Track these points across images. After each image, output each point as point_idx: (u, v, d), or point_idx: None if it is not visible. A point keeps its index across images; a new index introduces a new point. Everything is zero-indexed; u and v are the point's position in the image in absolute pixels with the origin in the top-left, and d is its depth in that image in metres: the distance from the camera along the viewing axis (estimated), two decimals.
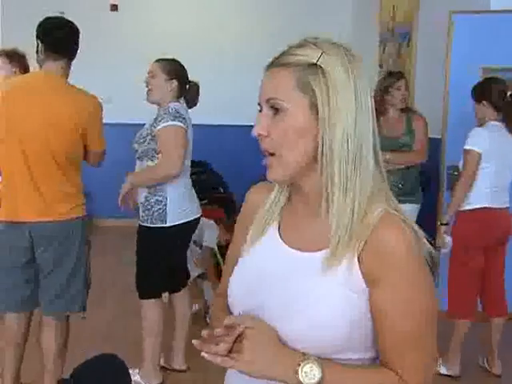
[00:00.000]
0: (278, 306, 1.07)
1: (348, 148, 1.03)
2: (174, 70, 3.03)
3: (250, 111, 5.72)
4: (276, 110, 1.05)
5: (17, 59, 3.09)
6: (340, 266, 1.04)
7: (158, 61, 3.06)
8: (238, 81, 6.42)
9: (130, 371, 3.08)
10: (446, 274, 3.39)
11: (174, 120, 2.87)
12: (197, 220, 3.12)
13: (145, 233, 3.02)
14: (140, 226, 3.04)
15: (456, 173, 3.44)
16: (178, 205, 2.97)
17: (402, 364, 1.04)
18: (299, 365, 1.01)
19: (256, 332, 1.04)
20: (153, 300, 3.07)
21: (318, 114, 1.03)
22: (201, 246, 4.05)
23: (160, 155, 2.91)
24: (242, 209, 1.27)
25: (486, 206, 3.22)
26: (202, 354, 1.04)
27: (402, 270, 1.02)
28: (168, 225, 2.95)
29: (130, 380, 2.23)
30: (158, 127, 2.89)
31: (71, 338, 2.86)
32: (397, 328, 1.03)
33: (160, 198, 2.94)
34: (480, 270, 3.27)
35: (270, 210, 1.17)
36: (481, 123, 3.28)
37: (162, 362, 3.24)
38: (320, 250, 1.07)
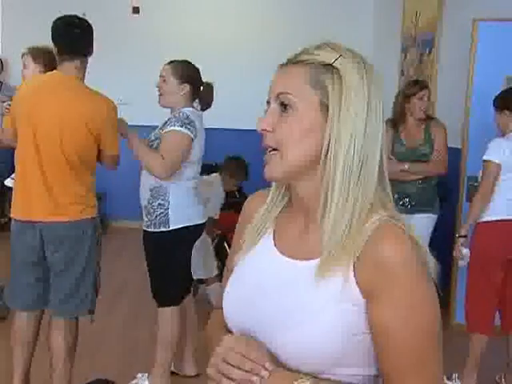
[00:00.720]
0: (273, 319, 1.04)
1: (354, 154, 1.00)
2: (186, 73, 2.98)
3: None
4: (284, 107, 1.02)
5: (43, 58, 3.09)
6: (335, 275, 1.00)
7: (169, 63, 3.01)
8: (258, 85, 6.39)
9: (139, 375, 3.10)
10: (464, 287, 3.32)
11: (181, 126, 2.84)
12: (201, 225, 3.07)
13: (149, 238, 2.99)
14: (144, 231, 3.00)
15: (477, 184, 3.38)
16: (181, 209, 2.93)
17: (402, 379, 0.99)
18: None
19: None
20: (171, 308, 3.00)
21: (327, 114, 1.01)
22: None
23: None
24: (239, 218, 1.24)
25: (506, 218, 3.15)
26: None
27: (399, 284, 0.97)
28: (170, 228, 2.91)
29: None
30: (165, 130, 2.88)
31: (82, 341, 2.85)
32: (396, 346, 0.98)
33: (162, 202, 2.91)
34: (499, 283, 3.19)
35: (264, 217, 1.14)
36: (502, 133, 3.22)
37: (172, 368, 3.20)
38: (315, 258, 1.03)
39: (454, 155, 3.98)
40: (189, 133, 2.85)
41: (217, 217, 4.16)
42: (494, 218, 3.15)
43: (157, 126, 3.06)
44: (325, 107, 1.01)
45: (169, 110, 3.03)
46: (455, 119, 4.17)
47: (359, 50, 1.08)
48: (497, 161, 3.08)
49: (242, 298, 1.10)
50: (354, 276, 0.99)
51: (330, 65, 1.01)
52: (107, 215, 6.33)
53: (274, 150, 1.04)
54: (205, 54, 5.27)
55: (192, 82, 2.98)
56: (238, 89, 6.30)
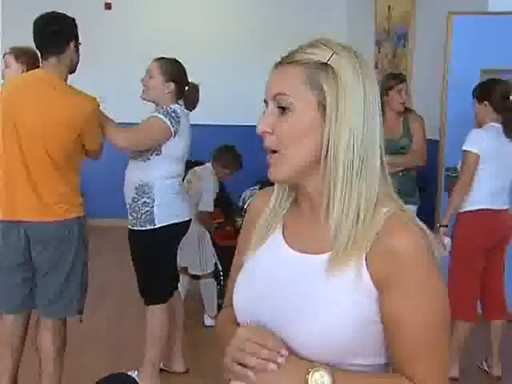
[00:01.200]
0: (285, 312, 1.05)
1: (354, 150, 1.02)
2: (173, 71, 2.97)
3: (247, 111, 5.64)
4: (282, 109, 1.03)
5: (26, 57, 3.04)
6: (347, 268, 1.01)
7: (157, 60, 3.00)
8: (235, 80, 6.41)
9: (129, 373, 3.09)
10: (446, 276, 3.39)
11: (164, 116, 2.84)
12: (187, 222, 3.07)
13: (135, 237, 2.98)
14: (131, 230, 2.99)
15: (454, 174, 3.44)
16: (166, 206, 2.93)
17: (415, 372, 1.01)
18: (309, 373, 0.99)
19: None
20: (159, 306, 3.00)
21: (325, 113, 1.02)
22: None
23: (154, 155, 2.89)
24: (245, 216, 1.26)
25: (486, 207, 3.21)
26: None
27: (410, 274, 1.00)
28: (157, 226, 2.90)
29: None
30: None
31: (69, 341, 2.83)
32: (407, 335, 1.00)
33: (148, 200, 2.90)
34: (480, 271, 3.26)
35: (272, 214, 1.15)
36: (480, 124, 3.27)
37: (160, 365, 3.20)
38: (326, 252, 1.05)
39: (432, 146, 4.05)
40: (169, 123, 2.84)
41: (211, 209, 4.08)
42: (475, 208, 3.21)
43: (133, 123, 3.04)
44: (322, 106, 1.02)
45: (147, 106, 3.02)
46: (431, 111, 4.24)
47: None
48: (476, 151, 3.14)
49: (254, 292, 1.11)
50: (367, 268, 1.01)
51: (325, 63, 1.02)
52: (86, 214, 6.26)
53: (275, 151, 1.05)
54: (179, 49, 5.24)
55: (177, 81, 2.97)
56: (215, 85, 6.29)
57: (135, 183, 2.92)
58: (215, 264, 4.13)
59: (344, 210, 1.02)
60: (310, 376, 0.98)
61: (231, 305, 1.18)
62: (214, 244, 4.14)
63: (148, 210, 2.90)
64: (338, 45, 1.05)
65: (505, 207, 3.28)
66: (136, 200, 2.92)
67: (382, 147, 1.07)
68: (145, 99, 3.01)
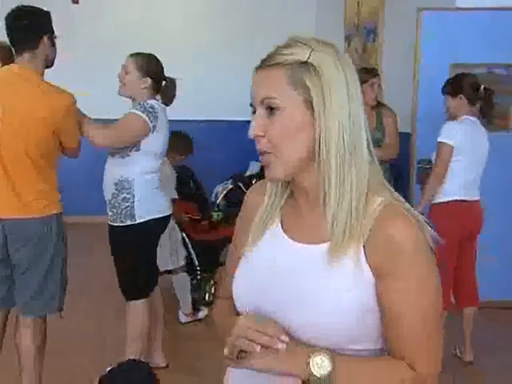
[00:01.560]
0: (285, 299, 1.07)
1: (344, 141, 1.04)
2: (149, 66, 2.96)
3: (223, 107, 5.63)
4: (271, 110, 1.05)
5: (1, 53, 2.99)
6: (346, 257, 1.04)
7: (132, 56, 2.99)
8: (213, 75, 6.39)
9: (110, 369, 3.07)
10: None
11: (142, 112, 2.84)
12: (167, 217, 3.07)
13: (116, 233, 2.97)
14: (110, 226, 2.98)
15: (427, 166, 3.51)
16: (146, 202, 2.93)
17: (412, 357, 1.05)
18: (310, 357, 1.01)
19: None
20: (141, 301, 3.00)
21: (313, 110, 1.04)
22: None
23: (133, 152, 2.88)
24: (241, 209, 1.27)
25: (459, 198, 3.29)
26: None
27: (410, 268, 1.03)
28: (137, 221, 2.91)
29: None
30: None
31: (48, 340, 2.80)
32: (406, 329, 1.04)
33: (128, 196, 2.90)
34: (455, 261, 3.33)
35: (268, 208, 1.17)
36: (454, 118, 3.34)
37: (141, 359, 3.20)
38: (326, 242, 1.07)
39: (404, 139, 4.13)
40: (146, 119, 2.84)
41: (175, 196, 4.04)
42: (448, 199, 3.29)
43: (104, 119, 3.03)
44: (309, 104, 1.04)
45: (121, 102, 3.00)
46: (402, 105, 4.31)
47: None
48: (451, 143, 3.21)
49: (255, 283, 1.13)
50: (365, 258, 1.04)
51: (305, 62, 1.04)
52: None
53: (269, 153, 1.07)
54: (147, 43, 5.23)
55: (154, 76, 2.97)
56: (190, 80, 6.27)
57: (115, 179, 2.91)
58: (191, 259, 4.13)
59: (339, 204, 1.05)
60: (311, 360, 1.01)
61: (228, 297, 1.20)
62: (190, 239, 4.14)
63: (128, 206, 2.90)
64: (315, 41, 1.07)
65: (476, 198, 3.37)
66: (116, 196, 2.91)
67: (369, 137, 1.09)
68: (121, 95, 3.00)
